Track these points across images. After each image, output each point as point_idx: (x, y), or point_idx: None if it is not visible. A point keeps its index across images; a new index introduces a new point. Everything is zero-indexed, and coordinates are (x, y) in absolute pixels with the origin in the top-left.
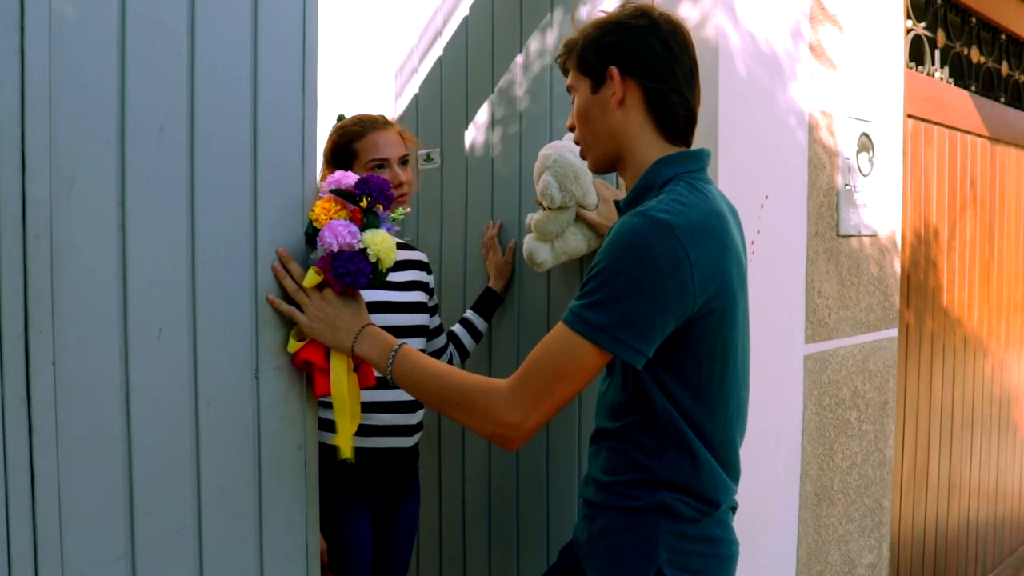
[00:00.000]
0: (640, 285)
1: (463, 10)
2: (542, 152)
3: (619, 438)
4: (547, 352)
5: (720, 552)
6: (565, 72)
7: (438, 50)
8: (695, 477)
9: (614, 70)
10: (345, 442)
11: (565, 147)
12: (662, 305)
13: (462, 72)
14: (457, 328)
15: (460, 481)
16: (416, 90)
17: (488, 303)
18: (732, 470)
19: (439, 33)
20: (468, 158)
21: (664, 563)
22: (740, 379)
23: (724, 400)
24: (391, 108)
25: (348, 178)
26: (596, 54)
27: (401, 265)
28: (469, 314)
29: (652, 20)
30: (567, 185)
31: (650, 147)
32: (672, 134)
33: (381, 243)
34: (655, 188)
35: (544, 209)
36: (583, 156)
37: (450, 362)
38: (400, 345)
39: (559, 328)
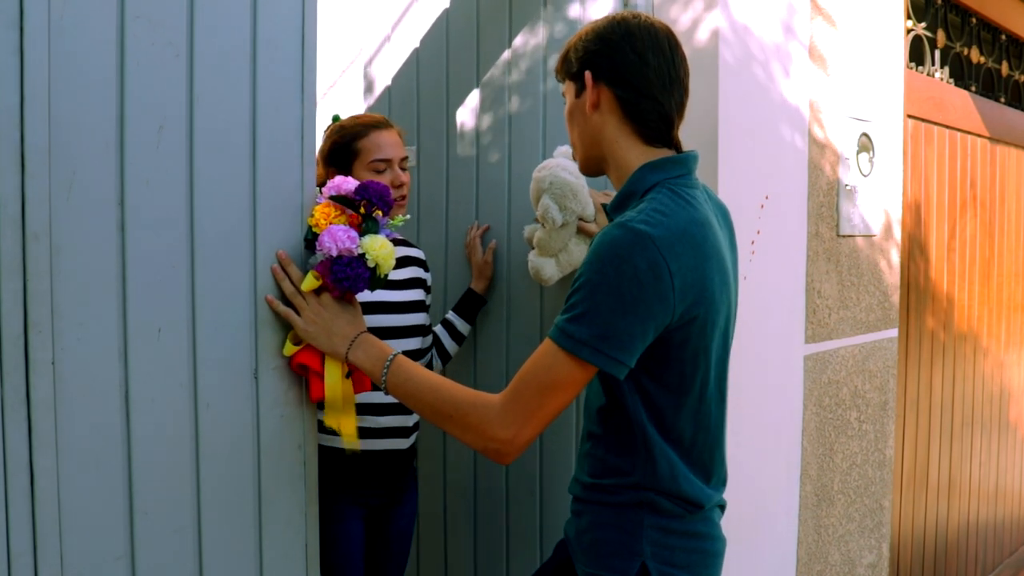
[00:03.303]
0: (621, 297)
1: (443, 1)
2: (536, 175)
3: (601, 442)
4: (535, 367)
5: (705, 547)
6: (561, 80)
7: (414, 42)
8: (673, 481)
9: (588, 75)
10: (349, 433)
11: (558, 165)
12: (642, 316)
13: (442, 66)
14: (438, 330)
15: (442, 481)
16: (388, 83)
17: (470, 305)
18: (716, 473)
19: (415, 21)
20: (449, 156)
21: (648, 557)
22: (723, 384)
23: (707, 406)
24: (360, 103)
25: (348, 183)
26: (576, 60)
27: (399, 262)
28: (451, 316)
29: (627, 29)
30: (566, 204)
31: (630, 151)
32: (648, 138)
33: (380, 249)
34: (638, 195)
35: (544, 227)
36: (575, 157)
37: (430, 363)
38: (395, 355)
39: (546, 343)
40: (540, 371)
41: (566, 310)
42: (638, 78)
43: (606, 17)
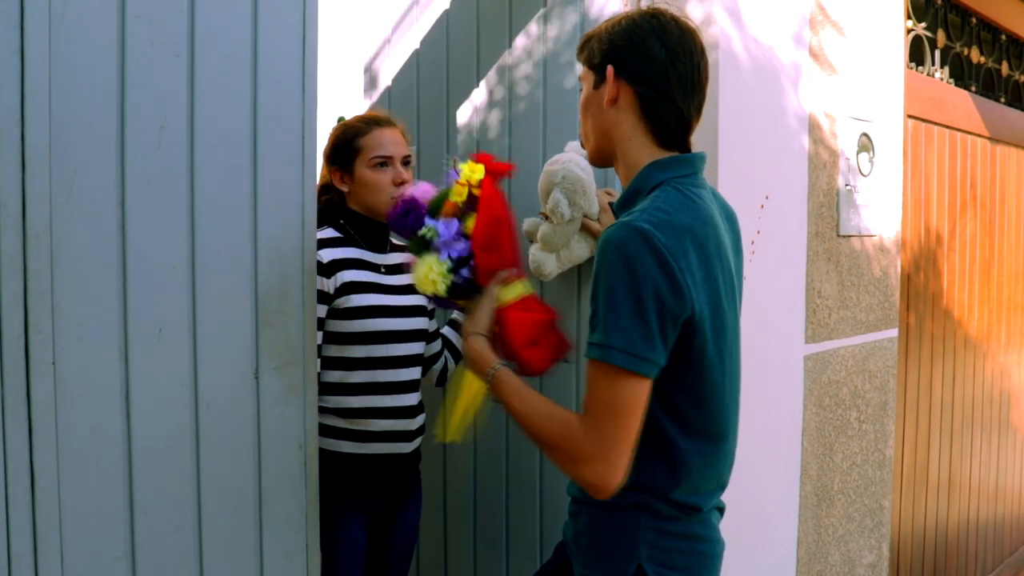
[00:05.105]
0: (639, 297)
1: (443, 2)
2: (548, 168)
3: None
4: (592, 390)
5: (703, 550)
6: (582, 63)
7: (414, 43)
8: (675, 486)
9: (610, 69)
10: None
11: (571, 160)
12: (661, 313)
13: (442, 66)
14: (447, 331)
15: (442, 482)
16: (388, 83)
17: None
18: (723, 477)
19: (415, 23)
20: (449, 155)
21: (645, 559)
22: (736, 387)
23: (725, 409)
24: (360, 103)
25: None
26: (600, 51)
27: (401, 268)
28: (456, 315)
29: (661, 24)
30: (576, 200)
31: (641, 150)
32: (663, 140)
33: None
34: (644, 192)
35: (549, 222)
36: (584, 147)
37: (444, 367)
38: (498, 367)
39: (589, 366)
40: (596, 392)
41: (591, 325)
42: (661, 79)
43: (634, 11)
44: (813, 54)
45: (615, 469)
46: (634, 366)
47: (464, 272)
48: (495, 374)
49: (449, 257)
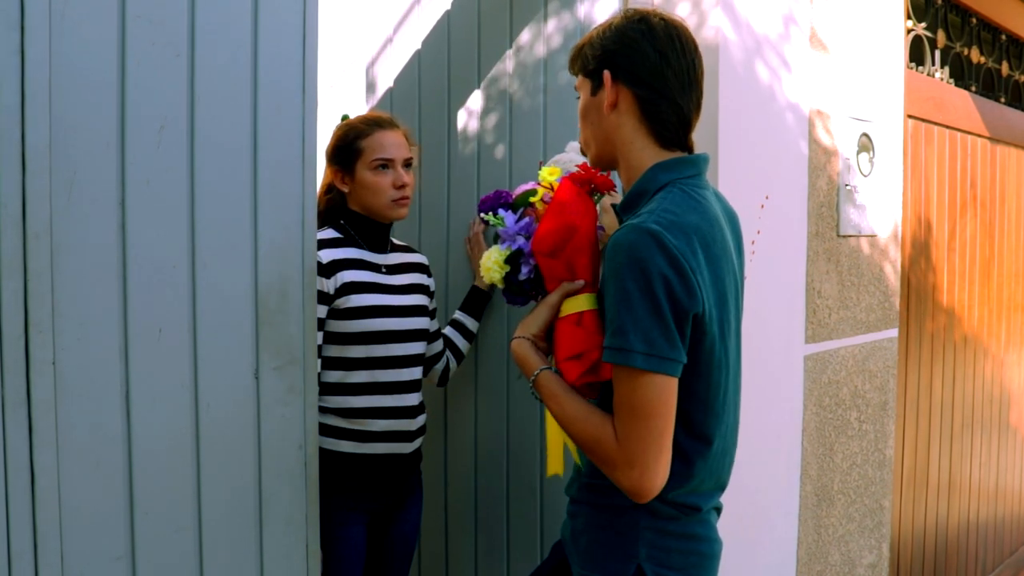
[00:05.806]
0: (654, 297)
1: (444, 3)
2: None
3: None
4: (617, 395)
5: (701, 550)
6: (575, 74)
7: (416, 43)
8: (677, 487)
9: (607, 74)
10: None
11: (572, 161)
12: (676, 312)
13: (443, 67)
14: (448, 331)
15: (443, 480)
16: (390, 84)
17: (476, 301)
18: (722, 478)
19: (417, 23)
20: (450, 157)
21: (644, 559)
22: (737, 388)
23: (729, 410)
24: (362, 103)
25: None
26: (594, 58)
27: (401, 268)
28: (459, 315)
29: (649, 26)
30: None
31: (643, 151)
32: (665, 140)
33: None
34: (649, 194)
35: None
36: (584, 153)
37: (446, 366)
38: (540, 371)
39: (612, 371)
40: (624, 398)
41: (608, 330)
42: (659, 79)
43: (624, 14)
44: (813, 54)
45: (649, 473)
46: (657, 367)
47: (525, 271)
48: (535, 378)
49: (509, 248)
